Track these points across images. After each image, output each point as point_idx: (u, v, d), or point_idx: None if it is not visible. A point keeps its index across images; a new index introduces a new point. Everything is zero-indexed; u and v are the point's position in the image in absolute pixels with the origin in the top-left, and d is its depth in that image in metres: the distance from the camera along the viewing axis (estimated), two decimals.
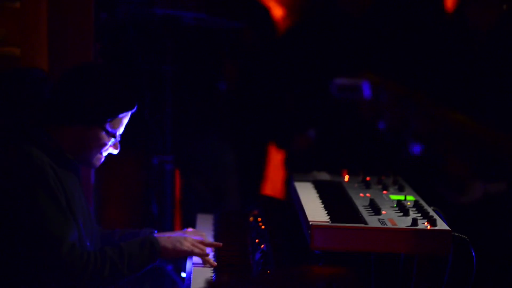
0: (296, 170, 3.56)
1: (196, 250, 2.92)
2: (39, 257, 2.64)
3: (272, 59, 4.70)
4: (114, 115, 2.83)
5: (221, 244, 3.06)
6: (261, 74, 4.72)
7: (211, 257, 2.99)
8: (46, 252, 2.63)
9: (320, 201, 2.96)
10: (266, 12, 4.72)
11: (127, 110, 2.86)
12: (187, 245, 2.91)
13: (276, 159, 4.80)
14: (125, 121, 2.88)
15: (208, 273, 2.88)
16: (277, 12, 4.76)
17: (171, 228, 4.27)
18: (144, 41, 4.15)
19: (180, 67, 4.30)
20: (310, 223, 2.62)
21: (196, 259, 2.97)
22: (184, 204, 4.65)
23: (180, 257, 2.96)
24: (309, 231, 2.61)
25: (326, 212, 2.79)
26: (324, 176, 3.38)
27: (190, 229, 3.21)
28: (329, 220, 2.67)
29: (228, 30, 4.52)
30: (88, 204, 3.07)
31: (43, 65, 3.68)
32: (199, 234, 3.11)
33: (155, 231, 3.08)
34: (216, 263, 2.94)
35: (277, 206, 3.63)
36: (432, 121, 4.32)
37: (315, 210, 2.81)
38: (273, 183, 4.76)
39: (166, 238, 2.91)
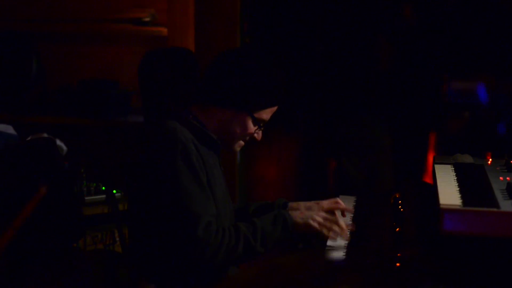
0: (444, 153, 3.44)
1: (325, 230, 2.85)
2: (176, 233, 2.65)
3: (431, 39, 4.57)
4: (265, 106, 2.79)
5: (353, 227, 2.97)
6: (419, 55, 4.59)
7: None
8: (183, 228, 2.63)
9: (457, 184, 2.83)
10: None
11: (278, 104, 2.82)
12: (317, 222, 2.84)
13: (430, 143, 4.67)
14: (272, 112, 2.84)
15: (341, 252, 2.83)
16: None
17: None
18: (292, 19, 4.12)
19: (331, 46, 4.25)
20: (441, 205, 2.51)
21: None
22: (336, 186, 4.60)
23: (310, 233, 2.91)
24: (440, 214, 2.51)
25: (460, 195, 2.66)
26: (467, 158, 3.24)
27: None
28: (461, 203, 2.55)
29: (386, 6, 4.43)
30: (226, 182, 3.07)
31: (189, 45, 3.73)
32: (334, 202, 3.03)
33: (287, 202, 3.03)
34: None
35: (420, 189, 3.53)
36: None
37: (449, 193, 2.68)
38: (427, 167, 4.63)
39: (298, 213, 2.85)
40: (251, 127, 2.80)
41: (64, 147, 3.81)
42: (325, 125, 4.26)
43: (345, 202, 3.51)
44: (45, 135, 3.79)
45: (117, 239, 4.05)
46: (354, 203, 3.49)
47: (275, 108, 2.84)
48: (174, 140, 2.68)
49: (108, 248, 3.96)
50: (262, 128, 2.85)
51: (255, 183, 4.36)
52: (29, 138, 3.75)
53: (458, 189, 2.76)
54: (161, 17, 3.90)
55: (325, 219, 2.85)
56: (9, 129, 3.78)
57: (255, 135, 2.86)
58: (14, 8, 4.46)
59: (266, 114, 2.81)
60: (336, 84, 4.48)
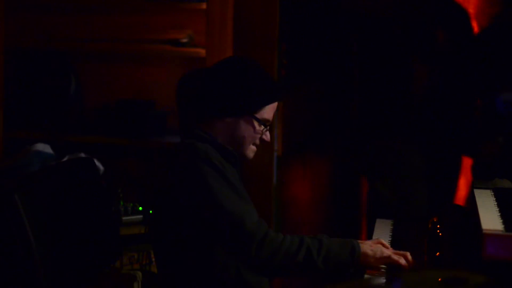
0: (480, 177, 3.42)
1: (395, 262, 2.80)
2: (228, 239, 2.66)
3: (465, 63, 4.55)
4: (264, 104, 2.84)
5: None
6: (453, 78, 4.57)
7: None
8: (233, 231, 2.63)
9: (497, 209, 2.82)
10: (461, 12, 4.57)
11: (274, 100, 2.87)
12: (387, 255, 2.81)
13: (463, 166, 4.64)
14: (273, 110, 2.89)
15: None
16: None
17: (356, 232, 4.22)
18: (329, 40, 4.13)
19: (367, 67, 4.25)
20: (483, 231, 2.50)
21: None
22: (369, 208, 4.58)
23: (376, 265, 2.86)
24: (482, 239, 2.50)
25: (501, 220, 2.65)
26: (506, 183, 3.22)
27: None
28: (503, 228, 2.54)
29: (420, 29, 4.42)
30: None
31: None
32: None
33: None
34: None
35: (458, 213, 3.50)
36: None
37: (490, 218, 2.67)
38: (459, 191, 4.61)
39: (368, 245, 2.83)
40: (257, 129, 2.84)
41: (101, 167, 3.83)
42: (358, 146, 4.25)
43: (382, 226, 3.51)
44: (83, 154, 3.82)
45: (153, 259, 4.05)
46: (391, 227, 3.48)
47: (275, 105, 2.88)
48: (195, 152, 2.72)
49: (144, 269, 3.97)
50: (267, 129, 2.89)
51: (289, 204, 4.35)
52: (66, 158, 3.77)
53: (499, 214, 2.74)
54: (199, 38, 3.92)
55: (394, 253, 2.81)
56: (47, 149, 3.81)
57: (264, 136, 2.89)
58: (52, 27, 4.50)
59: (267, 113, 2.86)
60: (370, 105, 4.47)
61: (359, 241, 2.92)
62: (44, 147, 3.83)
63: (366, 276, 2.79)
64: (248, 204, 2.70)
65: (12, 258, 2.90)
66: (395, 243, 3.15)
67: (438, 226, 3.19)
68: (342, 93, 4.27)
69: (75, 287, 3.10)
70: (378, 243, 2.86)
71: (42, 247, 2.87)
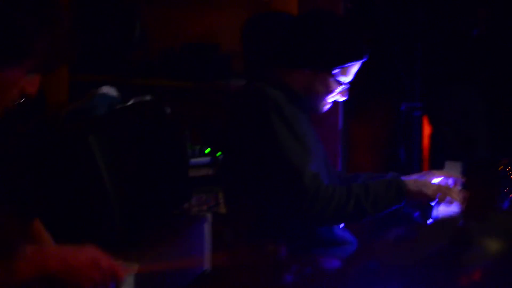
0: None
1: (441, 196, 2.83)
2: (283, 189, 2.67)
3: None
4: (342, 63, 2.81)
5: (467, 193, 2.94)
6: None
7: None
8: (289, 181, 2.65)
9: None
10: None
11: (355, 60, 2.84)
12: (433, 190, 2.83)
13: None
14: (354, 70, 2.86)
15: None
16: None
17: None
18: None
19: (431, 13, 4.20)
20: None
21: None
22: (432, 151, 4.56)
23: (424, 201, 2.89)
24: None
25: None
26: None
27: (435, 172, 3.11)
28: None
29: None
30: (323, 146, 3.07)
31: (292, 10, 3.73)
32: (446, 174, 3.01)
33: (401, 177, 3.03)
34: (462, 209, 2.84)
35: None
36: None
37: None
38: None
39: (412, 181, 2.85)
40: (333, 86, 2.82)
41: (168, 110, 3.84)
42: (422, 89, 4.22)
43: (451, 168, 3.50)
44: (148, 97, 3.83)
45: (221, 201, 4.09)
46: (461, 169, 3.47)
47: (355, 65, 2.85)
48: (264, 98, 2.72)
49: (212, 210, 4.00)
50: (344, 86, 2.86)
51: (353, 147, 4.35)
52: (131, 101, 3.79)
53: None
54: None
55: (439, 186, 2.84)
56: (112, 92, 3.83)
57: (340, 94, 2.87)
58: None
59: (348, 71, 2.83)
60: (434, 49, 4.43)
61: (404, 178, 2.93)
62: (109, 90, 3.84)
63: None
64: (308, 157, 2.70)
65: (87, 199, 2.94)
66: (466, 185, 3.14)
67: (509, 168, 3.18)
68: (405, 37, 4.22)
69: (146, 228, 3.14)
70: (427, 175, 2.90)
71: (115, 188, 2.91)
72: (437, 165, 4.15)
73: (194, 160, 4.02)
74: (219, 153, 4.07)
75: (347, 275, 1.73)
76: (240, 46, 3.78)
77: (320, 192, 2.63)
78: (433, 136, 4.57)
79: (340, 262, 2.58)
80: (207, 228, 3.39)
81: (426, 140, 4.54)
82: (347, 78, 2.85)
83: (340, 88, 2.85)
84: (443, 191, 2.83)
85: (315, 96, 2.85)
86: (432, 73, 4.35)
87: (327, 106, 2.91)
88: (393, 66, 4.11)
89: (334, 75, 2.80)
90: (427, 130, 4.55)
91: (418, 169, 4.23)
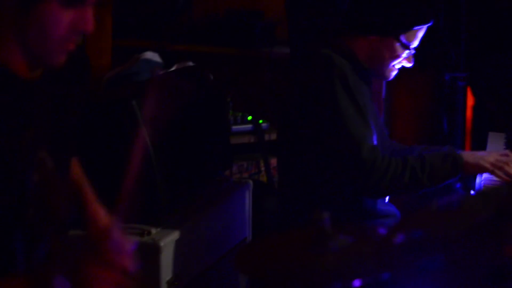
0: None
1: (498, 171, 2.79)
2: (341, 159, 2.67)
3: None
4: (409, 28, 2.78)
5: None
6: None
7: None
8: (347, 153, 2.64)
9: None
10: None
11: (422, 24, 2.80)
12: (490, 163, 2.80)
13: None
14: (420, 34, 2.83)
15: None
16: None
17: (461, 146, 4.18)
18: None
19: None
20: None
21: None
22: (475, 122, 4.52)
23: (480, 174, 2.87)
24: None
25: None
26: None
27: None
28: None
29: None
30: (380, 116, 3.06)
31: None
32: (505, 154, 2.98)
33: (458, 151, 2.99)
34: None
35: None
36: None
37: None
38: None
39: (470, 154, 2.82)
40: (399, 51, 2.79)
41: (210, 76, 3.84)
42: (466, 58, 4.17)
43: (495, 139, 3.47)
44: (191, 63, 3.83)
45: (262, 168, 4.09)
46: (505, 140, 3.43)
47: (421, 30, 2.81)
48: (330, 65, 2.70)
49: (253, 178, 4.01)
50: (412, 52, 2.83)
51: (396, 117, 4.32)
52: (174, 67, 3.79)
53: None
54: None
55: (496, 159, 2.79)
56: (155, 57, 3.83)
57: (406, 60, 2.84)
58: None
59: (412, 36, 2.79)
60: (478, 22, 4.37)
61: (461, 152, 2.91)
62: (152, 56, 3.84)
63: None
64: (368, 129, 2.69)
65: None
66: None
67: None
68: (450, 7, 4.17)
69: (187, 194, 3.15)
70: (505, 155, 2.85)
71: (157, 153, 2.91)
72: (480, 137, 4.12)
73: (235, 127, 4.03)
74: (261, 121, 4.07)
75: (391, 244, 1.72)
76: (286, 13, 3.77)
77: (377, 164, 2.62)
78: (476, 107, 4.53)
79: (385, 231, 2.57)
80: (248, 195, 3.39)
81: (469, 111, 4.50)
82: (413, 43, 2.82)
83: (406, 54, 2.82)
84: (499, 164, 2.79)
85: (381, 63, 2.83)
86: (477, 43, 4.29)
87: (394, 73, 2.89)
88: (437, 36, 4.06)
89: (400, 40, 2.78)
90: (470, 100, 4.50)
91: (460, 140, 4.19)
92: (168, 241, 2.84)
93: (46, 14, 1.76)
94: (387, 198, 2.97)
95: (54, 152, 1.94)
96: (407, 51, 2.80)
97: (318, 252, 1.81)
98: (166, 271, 2.83)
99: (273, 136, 4.02)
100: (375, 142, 2.69)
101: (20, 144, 1.82)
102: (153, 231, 2.84)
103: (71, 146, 2.20)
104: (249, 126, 4.08)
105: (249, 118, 4.09)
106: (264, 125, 4.10)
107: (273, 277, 1.83)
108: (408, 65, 2.86)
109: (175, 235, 2.88)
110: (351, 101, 2.66)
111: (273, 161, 4.00)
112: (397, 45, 2.78)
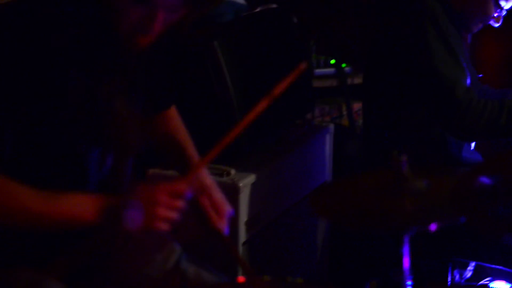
0: None
1: None
2: (434, 101, 2.63)
3: None
4: None
5: None
6: None
7: None
8: (441, 94, 2.61)
9: None
10: None
11: None
12: None
13: None
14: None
15: None
16: None
17: None
18: None
19: None
20: None
21: None
22: None
23: None
24: None
25: None
26: None
27: None
28: None
29: None
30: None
31: None
32: None
33: None
34: None
35: None
36: None
37: None
38: None
39: None
40: (491, 9, 2.74)
41: (294, 19, 3.81)
42: None
43: None
44: (274, 5, 3.80)
45: (344, 113, 4.07)
46: None
47: None
48: (423, 7, 2.65)
49: (335, 122, 3.99)
50: (502, 13, 2.76)
51: (482, 64, 4.24)
52: (259, 9, 3.77)
53: None
54: None
55: None
56: None
57: (494, 20, 2.77)
58: None
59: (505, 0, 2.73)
60: None
61: None
62: None
63: None
64: (462, 71, 2.63)
65: (211, 103, 2.96)
66: None
67: None
68: None
69: (268, 137, 3.15)
70: None
71: (238, 94, 2.92)
72: None
73: (318, 71, 4.00)
74: (344, 65, 4.04)
75: (469, 189, 1.70)
76: None
77: (473, 104, 2.57)
78: None
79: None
80: (329, 139, 3.38)
81: None
82: (507, 4, 2.76)
83: (495, 13, 2.77)
84: None
85: (470, 15, 2.78)
86: None
87: (479, 29, 2.83)
88: None
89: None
90: None
91: None
92: (247, 182, 2.85)
93: (116, 4, 1.79)
94: (473, 145, 2.92)
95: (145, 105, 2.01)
96: (497, 12, 2.75)
97: (395, 195, 1.79)
98: (244, 212, 2.85)
99: (356, 80, 3.99)
100: (468, 84, 2.64)
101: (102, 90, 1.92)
102: (233, 172, 2.86)
103: (165, 98, 2.26)
104: (332, 69, 4.05)
105: (332, 61, 4.06)
106: (347, 69, 4.07)
107: (349, 220, 1.83)
108: (496, 25, 2.80)
109: (254, 176, 2.89)
110: (443, 42, 2.62)
111: (355, 105, 3.97)
112: (491, 4, 2.73)
